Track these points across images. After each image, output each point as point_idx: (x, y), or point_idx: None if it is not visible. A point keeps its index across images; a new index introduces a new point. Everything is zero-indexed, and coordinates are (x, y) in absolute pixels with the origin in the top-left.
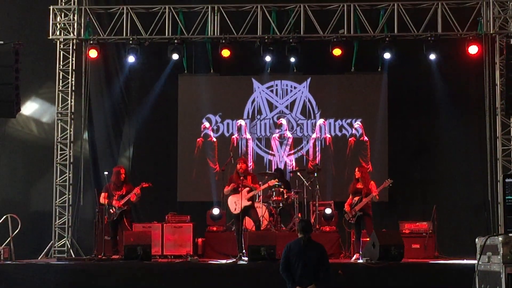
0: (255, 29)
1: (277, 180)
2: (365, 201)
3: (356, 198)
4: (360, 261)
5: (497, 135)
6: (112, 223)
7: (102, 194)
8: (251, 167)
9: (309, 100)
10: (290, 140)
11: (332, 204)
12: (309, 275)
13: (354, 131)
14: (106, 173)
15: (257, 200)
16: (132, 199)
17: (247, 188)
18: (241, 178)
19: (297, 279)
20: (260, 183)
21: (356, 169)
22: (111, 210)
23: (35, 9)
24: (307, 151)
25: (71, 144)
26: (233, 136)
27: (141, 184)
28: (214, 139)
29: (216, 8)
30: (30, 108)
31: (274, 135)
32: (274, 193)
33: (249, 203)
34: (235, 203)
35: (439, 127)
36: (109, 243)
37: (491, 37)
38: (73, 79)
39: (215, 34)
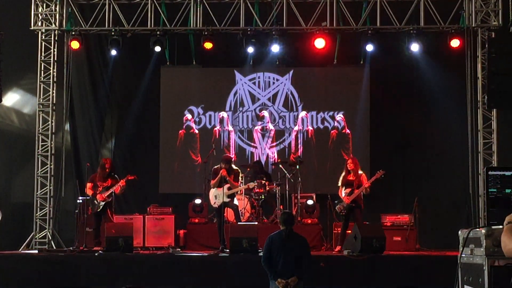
0: (237, 21)
1: (256, 183)
2: (358, 193)
3: (348, 190)
4: (342, 253)
5: (479, 128)
6: (96, 214)
7: (88, 185)
8: (233, 159)
9: (291, 93)
10: (272, 133)
11: (314, 196)
12: (291, 267)
13: (336, 124)
14: (88, 164)
15: (238, 193)
16: (117, 191)
17: (228, 185)
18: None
19: (279, 271)
20: (242, 175)
21: (349, 161)
22: (95, 201)
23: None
24: (289, 144)
25: (53, 136)
26: (215, 128)
27: (127, 176)
28: (196, 131)
29: (198, 0)
30: (11, 99)
31: (256, 127)
32: (256, 185)
33: (228, 200)
34: (216, 197)
35: (420, 120)
36: (91, 235)
37: (473, 31)
38: (55, 70)
39: (198, 26)
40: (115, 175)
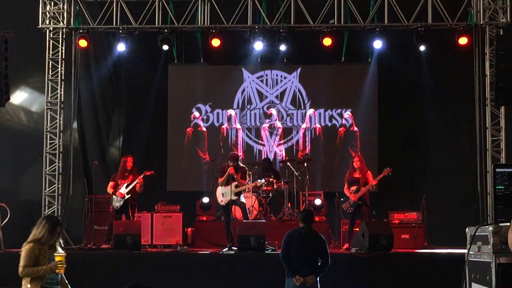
0: (245, 18)
1: (264, 180)
2: (364, 190)
3: (354, 188)
4: (350, 251)
5: (487, 125)
6: (117, 211)
7: (110, 184)
8: (240, 157)
9: (299, 90)
10: (280, 130)
11: (321, 194)
12: (309, 265)
13: (344, 121)
14: (96, 162)
15: (246, 190)
16: (136, 188)
17: (235, 182)
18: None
19: (297, 268)
20: (249, 173)
21: (355, 158)
22: (116, 198)
23: None
24: (297, 141)
25: (61, 134)
26: (223, 126)
27: (144, 172)
28: (204, 129)
29: None
30: (19, 97)
31: (264, 125)
32: (264, 183)
33: (235, 197)
34: (223, 195)
35: (428, 117)
36: (99, 232)
37: (481, 28)
38: (63, 68)
39: (205, 23)
40: (137, 173)
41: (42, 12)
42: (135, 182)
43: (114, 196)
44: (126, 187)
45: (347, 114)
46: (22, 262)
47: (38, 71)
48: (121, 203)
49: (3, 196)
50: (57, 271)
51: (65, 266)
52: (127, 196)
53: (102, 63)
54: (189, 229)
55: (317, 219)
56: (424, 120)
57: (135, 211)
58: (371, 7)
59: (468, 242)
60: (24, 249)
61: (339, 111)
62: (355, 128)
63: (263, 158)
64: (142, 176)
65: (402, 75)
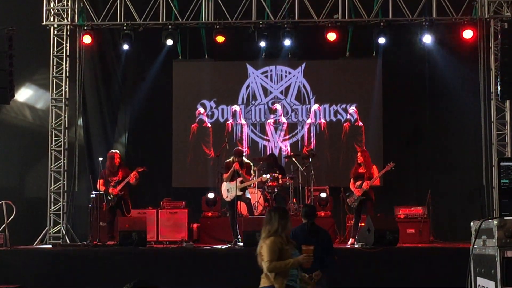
0: (249, 14)
1: (269, 176)
2: (368, 185)
3: (358, 183)
4: (356, 246)
5: (492, 119)
6: (110, 209)
7: (99, 181)
8: (245, 153)
9: (303, 86)
10: (285, 126)
11: (327, 189)
12: (315, 261)
13: (349, 116)
14: (101, 159)
15: (251, 186)
16: (132, 181)
17: (241, 178)
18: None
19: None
20: (254, 169)
21: (359, 154)
22: (109, 196)
23: None
24: (302, 137)
25: (66, 130)
26: (228, 122)
27: (136, 168)
28: (209, 125)
29: None
30: (24, 94)
31: (269, 121)
32: (269, 178)
33: (240, 193)
34: (228, 191)
35: (433, 112)
36: (105, 229)
37: (485, 22)
38: (67, 65)
39: (210, 19)
40: (126, 167)
41: (46, 9)
42: (128, 178)
43: (106, 194)
44: (118, 183)
45: (352, 109)
46: (267, 257)
47: (43, 68)
48: (115, 201)
49: (9, 193)
50: (304, 265)
51: (312, 258)
52: (120, 193)
53: (106, 60)
54: (195, 225)
55: (322, 214)
56: (429, 114)
57: (128, 205)
58: (376, 2)
59: (473, 236)
60: (266, 244)
61: (344, 106)
62: (360, 123)
63: (268, 153)
64: (135, 171)
65: (407, 69)
